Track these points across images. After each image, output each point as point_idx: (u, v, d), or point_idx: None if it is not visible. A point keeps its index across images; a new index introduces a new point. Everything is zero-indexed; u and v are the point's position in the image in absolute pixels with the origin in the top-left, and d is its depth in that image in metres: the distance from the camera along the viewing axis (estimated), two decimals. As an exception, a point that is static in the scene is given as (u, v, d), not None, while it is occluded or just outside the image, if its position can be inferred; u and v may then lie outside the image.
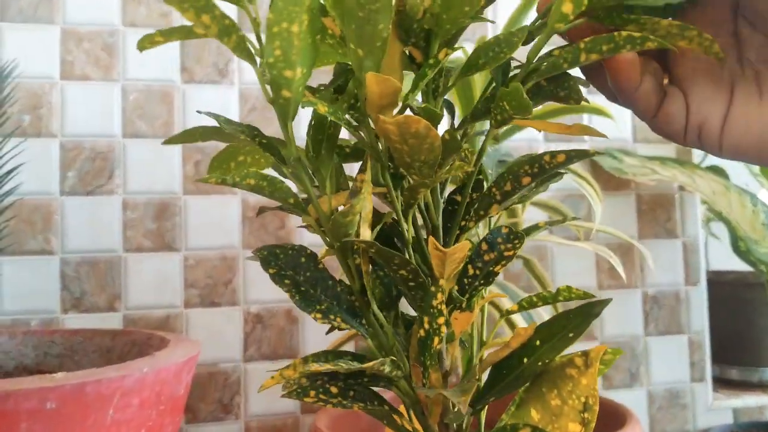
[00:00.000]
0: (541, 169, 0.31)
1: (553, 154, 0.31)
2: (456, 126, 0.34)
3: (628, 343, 1.03)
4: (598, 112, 0.79)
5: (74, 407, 0.46)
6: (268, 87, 0.29)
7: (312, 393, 0.31)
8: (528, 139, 0.95)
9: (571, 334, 0.32)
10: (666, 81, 0.33)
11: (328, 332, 0.34)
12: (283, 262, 0.32)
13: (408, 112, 0.30)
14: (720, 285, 1.09)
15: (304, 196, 0.32)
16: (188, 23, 0.30)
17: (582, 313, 0.32)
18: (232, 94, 0.89)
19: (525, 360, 0.32)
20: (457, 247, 0.30)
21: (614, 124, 0.94)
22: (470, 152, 0.33)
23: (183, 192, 0.87)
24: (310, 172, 0.32)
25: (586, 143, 0.98)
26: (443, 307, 0.31)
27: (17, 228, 0.82)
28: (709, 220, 1.14)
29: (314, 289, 0.32)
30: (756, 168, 1.09)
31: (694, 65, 0.32)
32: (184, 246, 0.87)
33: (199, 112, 0.37)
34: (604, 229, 0.75)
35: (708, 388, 1.05)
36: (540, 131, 0.33)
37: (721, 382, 1.10)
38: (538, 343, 0.32)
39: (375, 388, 0.34)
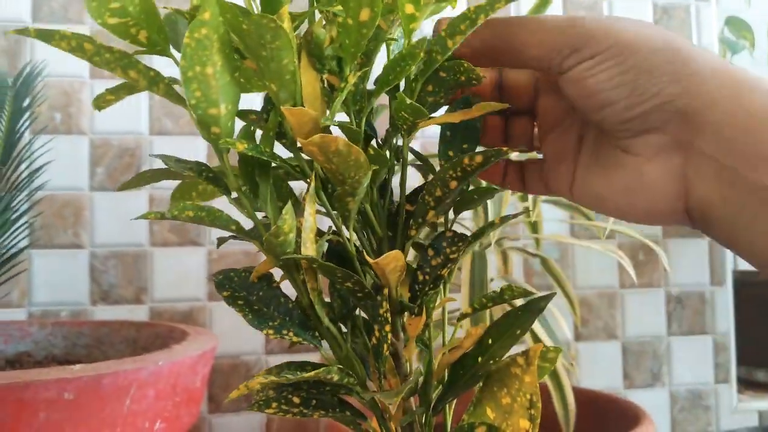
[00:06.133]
0: (465, 172, 0.32)
1: (472, 157, 0.31)
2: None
3: (650, 343, 1.02)
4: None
5: (91, 398, 0.48)
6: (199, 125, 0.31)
7: (274, 405, 0.32)
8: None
9: (518, 331, 0.33)
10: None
11: (290, 347, 0.35)
12: (236, 285, 0.33)
13: (340, 133, 0.31)
14: (748, 285, 1.07)
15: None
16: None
17: (528, 310, 0.33)
18: (255, 92, 0.91)
19: (479, 359, 0.34)
20: (388, 256, 0.30)
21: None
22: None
23: (207, 188, 0.89)
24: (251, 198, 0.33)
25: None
26: (388, 315, 0.32)
27: (48, 222, 0.85)
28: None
29: (267, 308, 0.33)
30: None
31: (550, 131, 0.37)
32: (207, 240, 0.89)
33: (151, 155, 0.40)
34: (619, 228, 0.75)
35: (732, 389, 1.04)
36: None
37: (747, 384, 1.08)
38: (490, 341, 0.34)
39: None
